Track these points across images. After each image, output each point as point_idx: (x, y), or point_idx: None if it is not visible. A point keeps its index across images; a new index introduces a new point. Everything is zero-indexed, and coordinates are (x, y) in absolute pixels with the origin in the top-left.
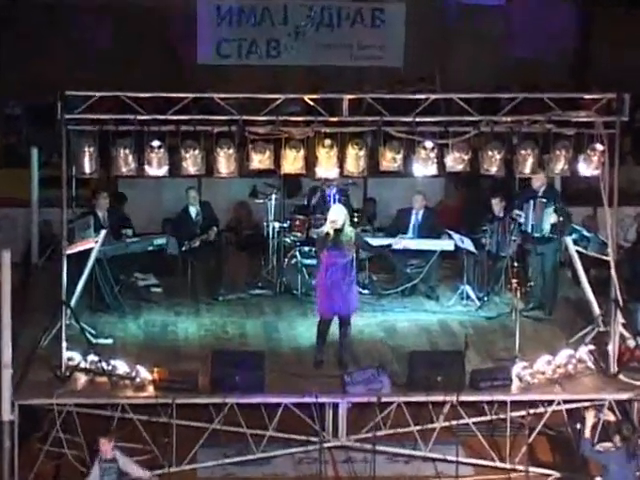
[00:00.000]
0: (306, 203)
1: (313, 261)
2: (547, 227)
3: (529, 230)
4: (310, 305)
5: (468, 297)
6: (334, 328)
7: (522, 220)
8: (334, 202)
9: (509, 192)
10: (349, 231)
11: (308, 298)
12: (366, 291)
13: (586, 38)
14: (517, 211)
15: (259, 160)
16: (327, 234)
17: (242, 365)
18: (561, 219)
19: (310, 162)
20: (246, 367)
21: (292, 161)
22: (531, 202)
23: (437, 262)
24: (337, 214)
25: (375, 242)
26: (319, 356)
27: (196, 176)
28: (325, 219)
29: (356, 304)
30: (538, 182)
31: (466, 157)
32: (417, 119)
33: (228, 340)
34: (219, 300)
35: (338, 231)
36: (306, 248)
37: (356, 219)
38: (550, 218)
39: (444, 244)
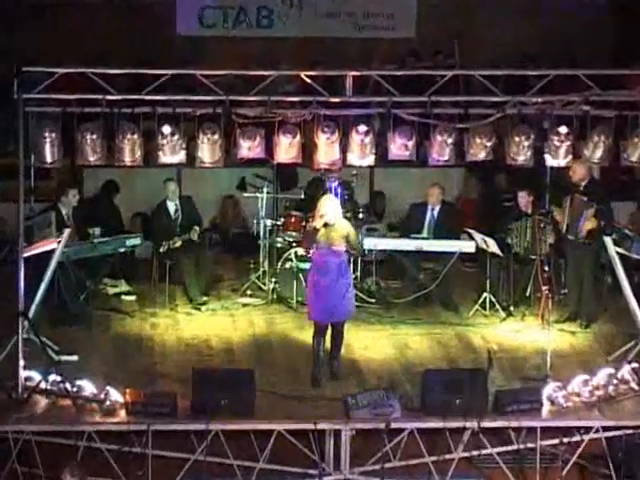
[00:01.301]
0: (303, 197)
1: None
2: (583, 231)
3: (563, 230)
4: (306, 315)
5: (492, 307)
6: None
7: (556, 217)
8: (336, 196)
9: (539, 185)
10: (343, 225)
11: (305, 308)
12: (373, 300)
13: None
14: (550, 207)
15: (248, 147)
16: (315, 229)
17: (228, 386)
18: (602, 223)
19: (308, 150)
20: (233, 388)
21: (287, 149)
22: (568, 198)
23: (456, 266)
24: (327, 206)
25: (383, 244)
26: (317, 373)
27: (175, 166)
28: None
29: (351, 309)
30: (578, 175)
31: (489, 144)
32: (432, 99)
33: (212, 357)
34: (202, 310)
35: (329, 226)
36: (302, 250)
37: (361, 216)
38: (588, 222)
39: (464, 245)
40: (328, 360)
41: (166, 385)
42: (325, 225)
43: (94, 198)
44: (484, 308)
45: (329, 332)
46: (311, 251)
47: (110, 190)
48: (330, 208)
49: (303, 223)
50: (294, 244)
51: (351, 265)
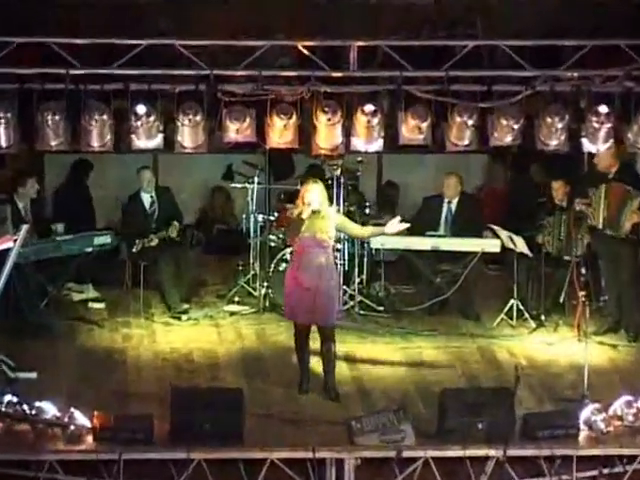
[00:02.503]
0: (300, 188)
1: None
2: (626, 226)
3: (599, 225)
4: None
5: (520, 316)
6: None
7: (589, 212)
8: (338, 187)
9: (575, 173)
10: (330, 213)
11: None
12: (381, 308)
13: None
14: (583, 200)
15: (236, 130)
16: (300, 219)
17: (213, 407)
18: None
19: (305, 133)
20: (218, 410)
21: (281, 132)
22: (602, 188)
23: (478, 268)
24: (313, 191)
25: (393, 242)
26: (304, 384)
27: (151, 152)
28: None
29: (335, 315)
30: (603, 163)
31: (516, 126)
32: (450, 74)
33: (194, 373)
34: (182, 319)
35: (315, 213)
36: (288, 242)
37: (368, 210)
38: (633, 215)
39: (487, 244)
40: (324, 380)
41: (140, 407)
42: (311, 213)
43: (62, 185)
44: (511, 317)
45: (316, 341)
46: (294, 243)
47: (81, 172)
48: (316, 193)
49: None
50: (289, 243)
51: (356, 267)
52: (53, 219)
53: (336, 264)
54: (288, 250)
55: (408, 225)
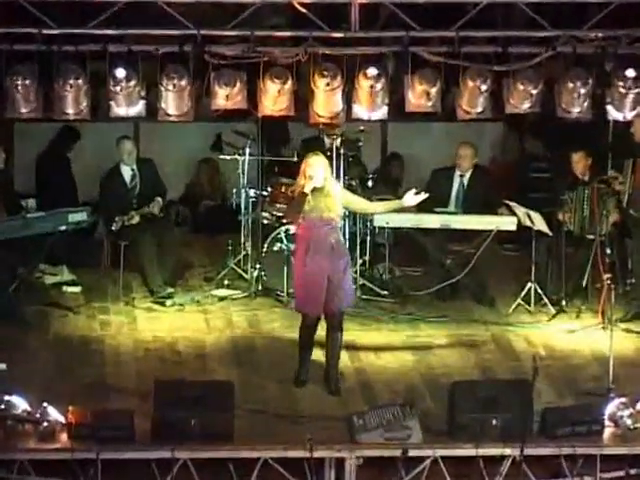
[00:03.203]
0: (296, 161)
1: None
2: None
3: (626, 203)
4: None
5: (538, 301)
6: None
7: (618, 187)
8: (338, 159)
9: (599, 145)
10: (336, 189)
11: None
12: (385, 292)
13: None
14: (612, 172)
15: (226, 96)
16: (303, 194)
17: (200, 402)
18: None
19: (302, 100)
20: (206, 405)
21: (275, 98)
22: (630, 162)
23: (492, 249)
24: (316, 165)
25: (398, 220)
26: (302, 374)
27: (132, 120)
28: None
29: (350, 297)
30: None
31: (534, 91)
32: (462, 34)
33: (180, 365)
34: (166, 305)
35: (318, 190)
36: (288, 223)
37: (371, 184)
38: None
39: (503, 222)
40: (325, 370)
41: (120, 401)
42: (314, 189)
43: (41, 156)
44: (528, 302)
45: (323, 330)
46: (297, 224)
47: (67, 142)
48: (319, 167)
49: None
50: (285, 220)
51: (358, 248)
52: (37, 192)
53: (344, 243)
54: (283, 228)
55: (427, 196)
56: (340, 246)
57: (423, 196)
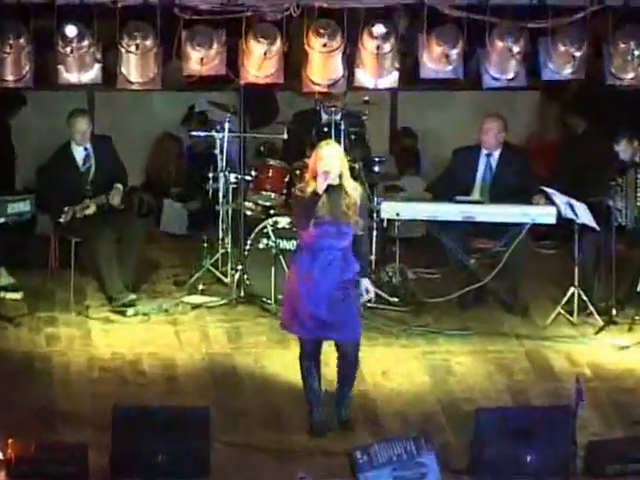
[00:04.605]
0: (286, 138)
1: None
2: None
3: None
4: None
5: (582, 309)
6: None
7: None
8: (338, 136)
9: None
10: (351, 187)
11: None
12: (396, 299)
13: None
14: None
15: (200, 59)
16: (316, 195)
17: (170, 433)
18: None
19: (294, 64)
20: (177, 436)
21: (260, 62)
22: None
23: (526, 246)
24: (330, 157)
25: (411, 211)
26: (317, 415)
27: (85, 88)
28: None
29: (358, 324)
30: None
31: (578, 54)
32: None
33: (144, 387)
34: (127, 315)
35: (334, 190)
36: (286, 221)
37: (377, 168)
38: None
39: (539, 213)
40: (335, 402)
41: (71, 432)
42: (328, 188)
43: None
44: (570, 312)
45: (333, 356)
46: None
47: (10, 106)
48: (335, 160)
49: (287, 179)
50: (272, 211)
51: None
52: None
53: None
54: (270, 221)
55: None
56: (348, 257)
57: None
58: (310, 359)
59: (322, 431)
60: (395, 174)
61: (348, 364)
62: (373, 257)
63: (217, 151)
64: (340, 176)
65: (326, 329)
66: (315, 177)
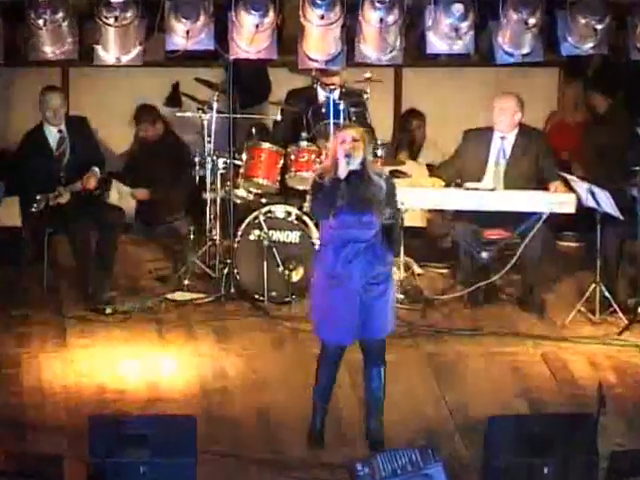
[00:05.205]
0: (279, 120)
1: (293, 236)
2: None
3: None
4: (288, 324)
5: (605, 308)
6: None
7: None
8: (337, 117)
9: None
10: (376, 175)
11: (284, 309)
12: (401, 296)
13: None
14: None
15: (186, 32)
16: (337, 181)
17: (152, 443)
18: None
19: (288, 38)
20: (160, 447)
21: (251, 36)
22: None
23: (543, 237)
24: (352, 141)
25: (418, 200)
26: (318, 424)
27: (60, 64)
28: (321, 153)
29: (391, 321)
30: None
31: (600, 27)
32: None
33: (124, 393)
34: (106, 313)
35: (356, 176)
36: (279, 210)
37: (380, 152)
38: None
39: (557, 201)
40: (365, 419)
41: (45, 443)
42: (350, 174)
43: None
44: (592, 310)
45: (357, 360)
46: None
47: None
48: (358, 144)
49: (280, 164)
50: (265, 199)
51: None
52: None
53: (384, 249)
54: (263, 210)
55: None
56: (378, 252)
57: None
58: (330, 365)
59: (319, 441)
60: (400, 159)
61: (377, 365)
62: None
63: (204, 133)
64: (363, 161)
65: (354, 330)
66: (336, 162)
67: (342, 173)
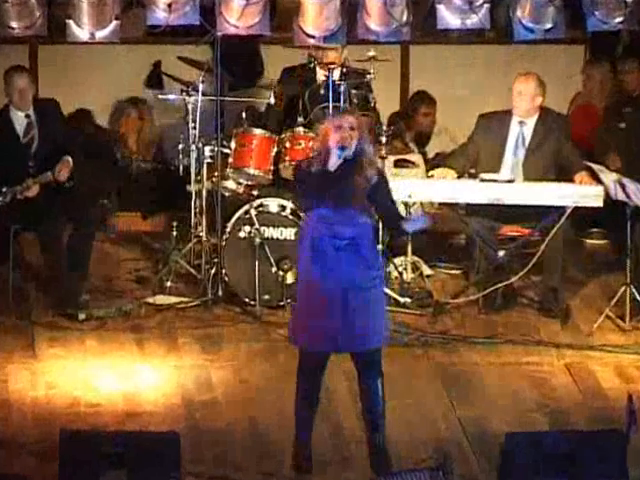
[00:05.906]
0: (272, 103)
1: (288, 233)
2: None
3: None
4: (282, 331)
5: (638, 313)
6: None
7: None
8: (337, 99)
9: None
10: (368, 164)
11: (277, 315)
12: (407, 299)
13: None
14: None
15: (168, 6)
16: (326, 172)
17: (130, 462)
18: None
19: (282, 12)
20: (139, 466)
21: (241, 9)
22: None
23: (566, 234)
24: (349, 129)
25: (427, 192)
26: (302, 448)
27: (27, 41)
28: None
29: (380, 332)
30: None
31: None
32: None
33: (99, 407)
34: (79, 319)
35: (346, 166)
36: (272, 204)
37: (385, 139)
38: None
39: (583, 194)
40: (367, 436)
41: (12, 461)
42: (343, 163)
43: None
44: (621, 316)
45: (351, 374)
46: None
47: None
48: (355, 133)
49: (273, 152)
50: (256, 192)
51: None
52: None
53: (374, 247)
54: (255, 204)
55: None
56: (368, 249)
57: None
58: (311, 378)
59: (304, 466)
60: (406, 147)
61: (372, 376)
62: (380, 247)
63: (189, 118)
64: (359, 151)
65: (334, 339)
66: (327, 151)
67: (332, 166)
